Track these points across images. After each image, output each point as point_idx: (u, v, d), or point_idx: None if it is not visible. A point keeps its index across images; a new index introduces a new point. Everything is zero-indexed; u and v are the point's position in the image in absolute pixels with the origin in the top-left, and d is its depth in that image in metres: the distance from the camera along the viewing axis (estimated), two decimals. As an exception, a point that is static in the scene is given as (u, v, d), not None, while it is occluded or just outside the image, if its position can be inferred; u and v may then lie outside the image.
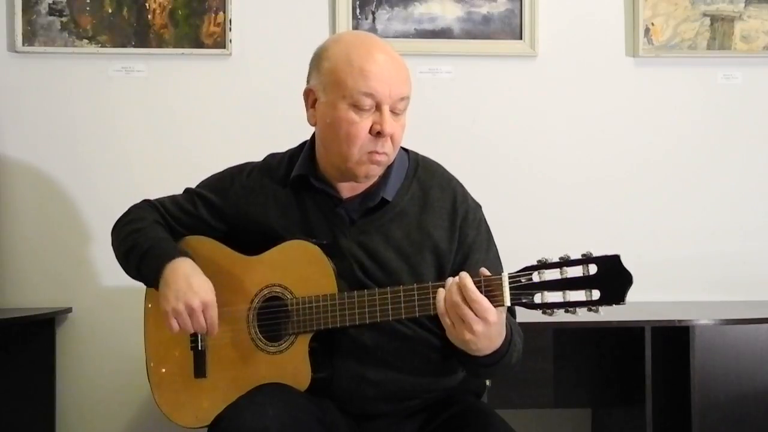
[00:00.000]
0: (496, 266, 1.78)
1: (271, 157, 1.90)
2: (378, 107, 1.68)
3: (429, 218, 1.76)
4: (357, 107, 1.67)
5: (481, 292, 1.52)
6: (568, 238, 2.70)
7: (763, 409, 2.42)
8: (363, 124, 1.68)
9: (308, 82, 1.77)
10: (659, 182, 2.83)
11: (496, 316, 1.52)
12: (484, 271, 1.55)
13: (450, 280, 1.56)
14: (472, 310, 1.52)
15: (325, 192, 1.78)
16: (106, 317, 2.72)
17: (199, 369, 1.81)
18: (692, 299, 2.81)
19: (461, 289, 1.52)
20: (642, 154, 2.83)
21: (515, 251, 1.78)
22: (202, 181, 1.94)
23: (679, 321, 2.38)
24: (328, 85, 1.70)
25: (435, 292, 1.57)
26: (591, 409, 2.84)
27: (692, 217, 2.83)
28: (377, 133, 1.68)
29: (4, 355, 2.55)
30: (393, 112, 1.69)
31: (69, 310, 2.71)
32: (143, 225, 1.86)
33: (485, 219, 1.83)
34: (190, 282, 1.72)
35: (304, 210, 1.79)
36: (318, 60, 1.74)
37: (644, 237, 2.81)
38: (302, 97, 1.78)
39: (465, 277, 1.54)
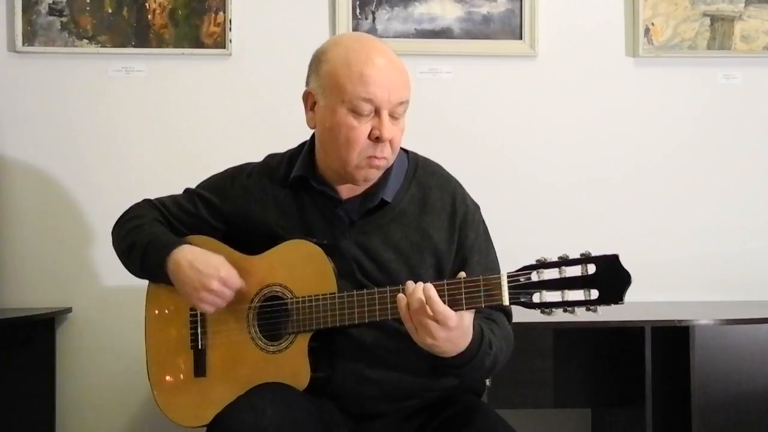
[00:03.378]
0: (495, 267, 1.79)
1: (271, 158, 1.90)
2: (377, 112, 1.67)
3: (428, 219, 1.76)
4: (356, 112, 1.66)
5: (444, 297, 1.52)
6: (568, 239, 2.69)
7: (763, 409, 2.42)
8: (362, 129, 1.67)
9: (307, 84, 1.76)
10: (659, 182, 2.83)
11: (456, 321, 1.52)
12: (462, 274, 1.56)
13: (412, 284, 1.55)
14: (435, 320, 1.52)
15: (324, 193, 1.78)
16: (106, 317, 2.72)
17: (199, 368, 1.81)
18: (692, 299, 2.81)
19: (427, 300, 1.52)
20: (642, 154, 2.83)
21: (514, 252, 1.78)
22: (202, 182, 1.94)
23: (679, 321, 2.38)
24: (327, 89, 1.69)
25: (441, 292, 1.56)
26: (591, 409, 2.84)
27: (692, 217, 2.83)
28: (376, 138, 1.67)
29: (4, 355, 2.55)
30: (392, 116, 1.68)
31: (69, 310, 2.71)
32: (142, 222, 1.87)
33: (484, 220, 1.84)
34: (196, 268, 1.72)
35: (304, 210, 1.79)
36: (317, 63, 1.73)
37: (644, 237, 2.81)
38: (301, 99, 1.77)
39: (429, 288, 1.53)
